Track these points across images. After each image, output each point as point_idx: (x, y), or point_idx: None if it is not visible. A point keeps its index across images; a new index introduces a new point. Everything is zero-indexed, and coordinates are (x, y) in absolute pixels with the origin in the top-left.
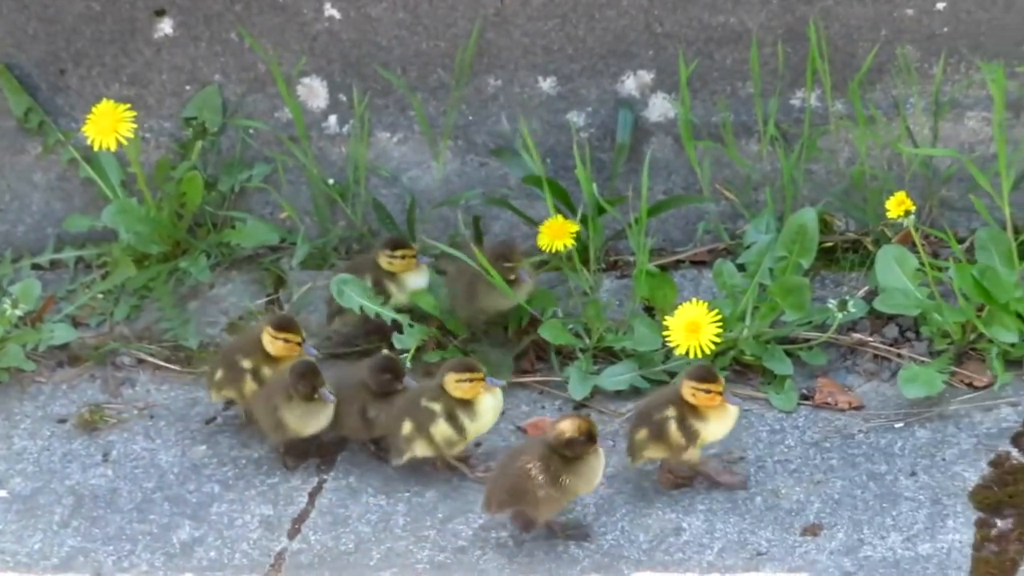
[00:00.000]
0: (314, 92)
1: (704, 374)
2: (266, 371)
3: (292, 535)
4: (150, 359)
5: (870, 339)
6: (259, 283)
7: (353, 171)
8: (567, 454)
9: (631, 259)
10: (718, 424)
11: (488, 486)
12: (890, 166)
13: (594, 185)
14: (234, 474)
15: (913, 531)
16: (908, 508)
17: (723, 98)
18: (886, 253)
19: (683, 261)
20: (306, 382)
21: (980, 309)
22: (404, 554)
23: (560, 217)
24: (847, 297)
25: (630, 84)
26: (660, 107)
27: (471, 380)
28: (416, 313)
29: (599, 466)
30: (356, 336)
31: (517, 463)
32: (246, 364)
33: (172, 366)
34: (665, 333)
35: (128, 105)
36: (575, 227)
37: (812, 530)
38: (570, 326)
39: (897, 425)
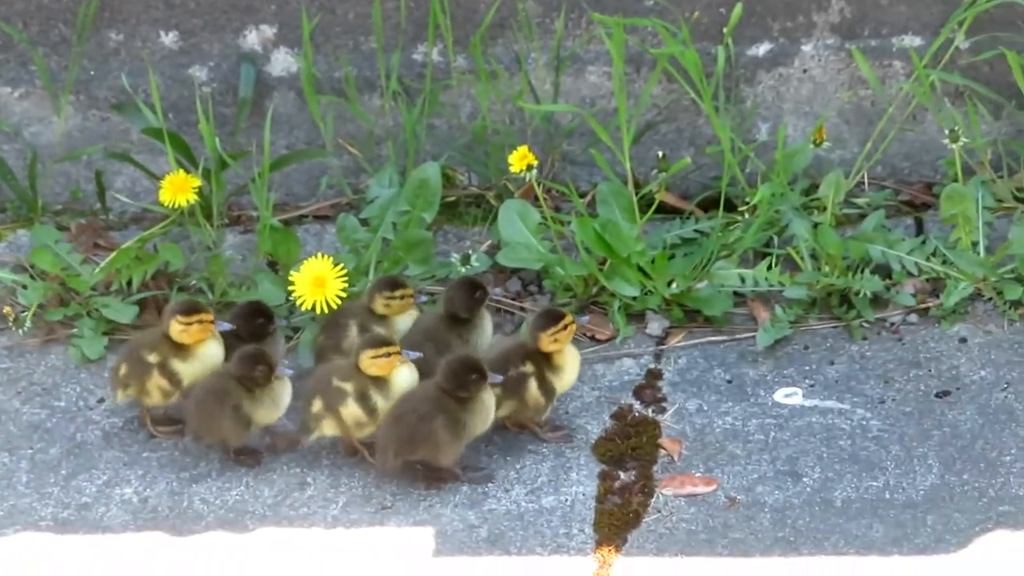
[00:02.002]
0: None
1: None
2: (176, 363)
3: None
4: None
5: (493, 293)
6: None
7: None
8: (461, 395)
9: (254, 214)
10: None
11: (379, 439)
12: (512, 120)
13: (217, 139)
14: None
15: (537, 484)
16: (532, 461)
17: (346, 53)
18: (509, 207)
19: (306, 216)
20: (264, 366)
21: (602, 263)
22: (27, 511)
23: (182, 172)
24: (470, 251)
25: (253, 39)
26: (283, 62)
27: (388, 355)
28: (36, 270)
29: (492, 403)
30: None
31: (412, 410)
32: (152, 358)
33: None
34: (290, 288)
35: None
36: (197, 182)
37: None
38: (192, 281)
39: None
